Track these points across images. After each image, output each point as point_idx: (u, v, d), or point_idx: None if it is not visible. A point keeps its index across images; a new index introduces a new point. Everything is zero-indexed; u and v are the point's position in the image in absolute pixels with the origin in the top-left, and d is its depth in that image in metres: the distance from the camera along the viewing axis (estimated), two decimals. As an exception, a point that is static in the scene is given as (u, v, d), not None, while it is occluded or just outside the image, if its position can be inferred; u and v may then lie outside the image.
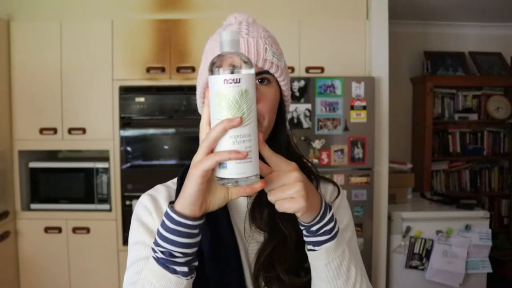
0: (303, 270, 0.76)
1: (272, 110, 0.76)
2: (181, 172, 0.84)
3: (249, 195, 0.64)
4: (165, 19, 2.52)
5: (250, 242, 0.80)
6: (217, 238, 0.76)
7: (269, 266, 0.75)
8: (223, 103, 0.56)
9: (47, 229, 2.51)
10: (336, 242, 0.69)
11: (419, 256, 2.62)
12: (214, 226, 0.76)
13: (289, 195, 0.62)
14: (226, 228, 0.78)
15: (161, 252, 0.64)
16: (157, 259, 0.65)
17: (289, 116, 0.90)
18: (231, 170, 0.57)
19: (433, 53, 3.60)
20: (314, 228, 0.68)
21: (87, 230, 2.50)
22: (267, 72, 0.75)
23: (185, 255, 0.64)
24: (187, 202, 0.62)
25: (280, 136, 0.81)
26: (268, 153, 0.63)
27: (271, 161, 0.63)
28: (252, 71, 0.58)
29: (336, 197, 0.85)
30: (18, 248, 2.54)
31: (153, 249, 0.66)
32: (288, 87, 0.80)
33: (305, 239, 0.71)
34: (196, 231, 0.64)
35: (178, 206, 0.63)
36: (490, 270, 2.62)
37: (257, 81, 0.74)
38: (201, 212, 0.64)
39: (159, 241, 0.64)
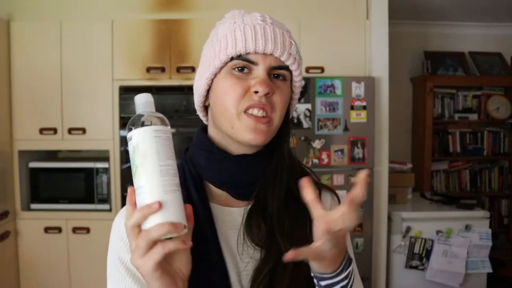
0: None
1: (284, 106, 0.71)
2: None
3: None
4: (165, 19, 2.51)
5: (243, 260, 0.71)
6: (199, 259, 0.65)
7: (268, 287, 0.68)
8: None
9: (47, 229, 2.51)
10: None
11: (419, 256, 2.61)
12: (196, 244, 0.64)
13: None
14: (211, 245, 0.69)
15: None
16: None
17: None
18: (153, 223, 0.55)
19: (433, 53, 3.60)
20: (324, 283, 0.63)
21: (87, 230, 2.50)
22: (287, 68, 0.71)
23: None
24: None
25: (284, 138, 0.76)
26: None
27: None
28: (146, 128, 0.60)
29: None
30: (18, 248, 2.53)
31: None
32: (300, 90, 0.77)
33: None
34: None
35: None
36: (490, 270, 2.62)
37: (272, 76, 0.70)
38: (185, 286, 0.59)
39: None
